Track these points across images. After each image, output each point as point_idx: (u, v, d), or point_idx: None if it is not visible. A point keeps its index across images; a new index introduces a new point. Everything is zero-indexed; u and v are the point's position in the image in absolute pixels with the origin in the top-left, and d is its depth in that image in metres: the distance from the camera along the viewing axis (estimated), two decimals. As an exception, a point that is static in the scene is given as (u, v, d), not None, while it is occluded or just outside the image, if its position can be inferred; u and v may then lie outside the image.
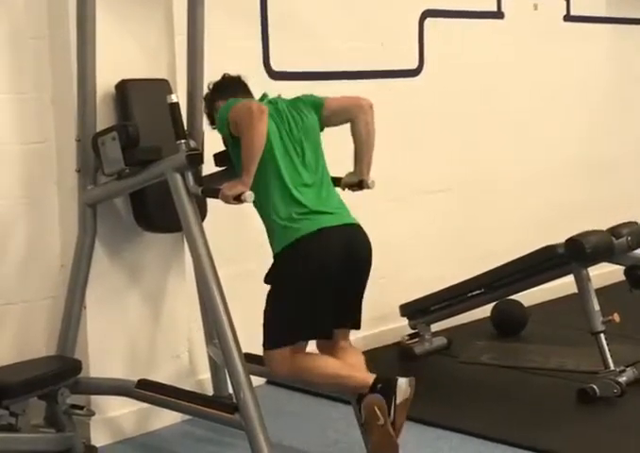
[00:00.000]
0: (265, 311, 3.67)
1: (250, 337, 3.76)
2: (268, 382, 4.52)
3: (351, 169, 3.92)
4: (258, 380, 4.08)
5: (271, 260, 3.68)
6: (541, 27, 6.09)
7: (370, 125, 3.81)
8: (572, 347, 5.04)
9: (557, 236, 4.59)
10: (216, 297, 3.61)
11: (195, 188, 3.67)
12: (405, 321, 5.18)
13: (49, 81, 4.04)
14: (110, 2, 3.94)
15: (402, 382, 3.50)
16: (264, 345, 3.68)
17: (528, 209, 6.01)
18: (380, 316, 4.92)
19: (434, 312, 5.06)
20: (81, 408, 3.82)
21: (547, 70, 6.11)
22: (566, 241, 4.51)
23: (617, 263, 4.64)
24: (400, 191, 5.30)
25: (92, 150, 3.85)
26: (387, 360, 4.91)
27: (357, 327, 3.79)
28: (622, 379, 4.35)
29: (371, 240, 3.73)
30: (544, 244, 4.65)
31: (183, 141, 3.64)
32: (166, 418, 4.22)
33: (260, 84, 4.11)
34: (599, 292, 4.59)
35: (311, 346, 3.75)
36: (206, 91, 3.98)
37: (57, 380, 3.72)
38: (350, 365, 3.67)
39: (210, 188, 3.69)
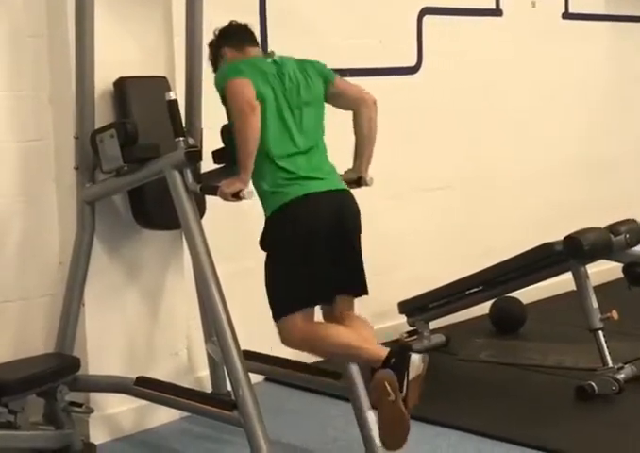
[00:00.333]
0: (266, 281, 3.61)
1: (249, 334, 3.76)
2: (267, 380, 4.52)
3: (349, 167, 3.91)
4: (256, 378, 4.08)
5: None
6: (539, 25, 6.08)
7: (373, 121, 3.81)
8: (570, 345, 5.04)
9: (556, 235, 4.58)
10: (215, 295, 3.61)
11: (194, 185, 3.67)
12: (403, 318, 5.18)
13: (47, 79, 4.04)
14: (109, 0, 3.94)
15: (415, 358, 3.40)
16: (274, 318, 3.61)
17: (527, 208, 6.00)
18: (379, 313, 4.91)
19: (433, 310, 5.06)
20: (80, 405, 3.83)
21: (546, 67, 6.10)
22: (565, 238, 4.51)
23: (616, 261, 4.64)
24: (399, 188, 5.30)
25: (91, 147, 3.85)
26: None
27: (359, 292, 3.70)
28: (620, 377, 4.35)
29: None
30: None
31: (182, 138, 3.65)
32: (165, 415, 4.22)
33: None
34: (598, 289, 4.60)
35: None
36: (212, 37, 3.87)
37: (55, 378, 3.72)
38: (364, 338, 3.58)
39: (208, 185, 3.68)
